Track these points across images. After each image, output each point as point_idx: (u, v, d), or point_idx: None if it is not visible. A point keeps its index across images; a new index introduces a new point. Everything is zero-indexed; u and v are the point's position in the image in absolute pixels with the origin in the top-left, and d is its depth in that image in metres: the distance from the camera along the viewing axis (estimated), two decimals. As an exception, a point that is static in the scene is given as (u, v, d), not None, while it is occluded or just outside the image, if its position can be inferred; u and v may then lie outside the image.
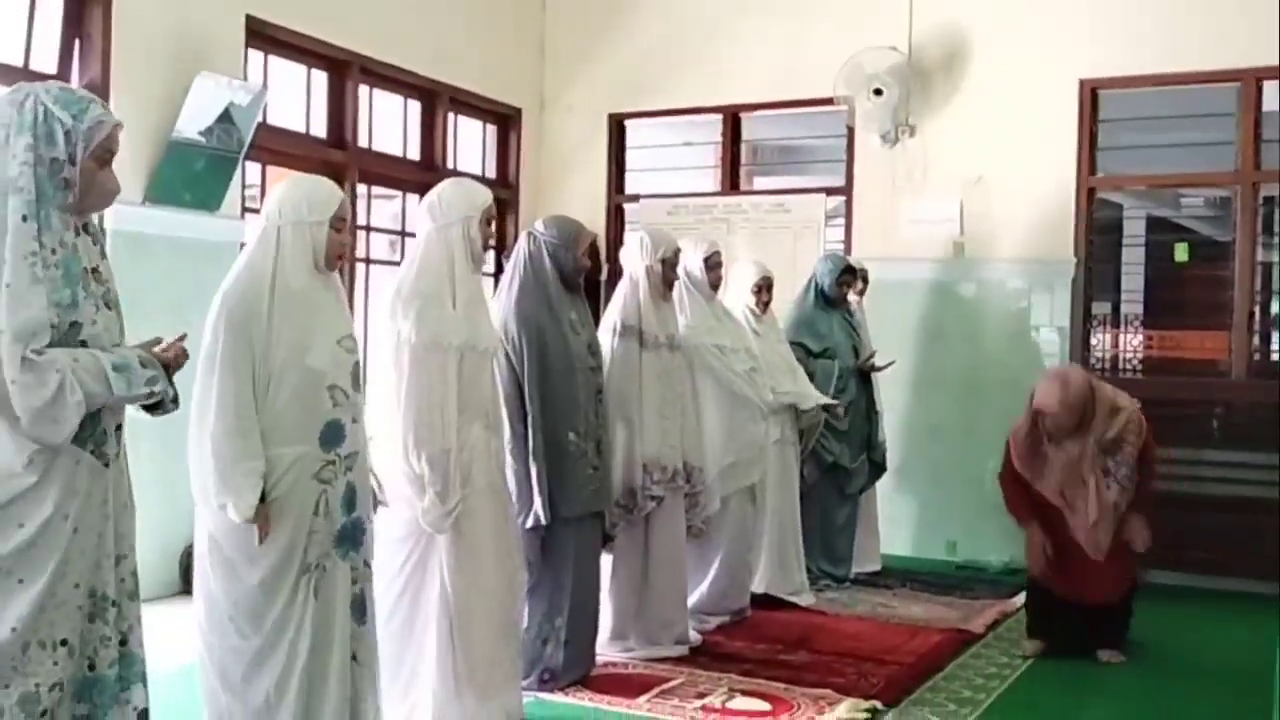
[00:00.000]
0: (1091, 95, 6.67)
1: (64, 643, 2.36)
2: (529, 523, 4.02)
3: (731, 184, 7.74)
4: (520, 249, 4.21)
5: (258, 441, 2.87)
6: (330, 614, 2.97)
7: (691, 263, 5.08)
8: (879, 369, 6.18)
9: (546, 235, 4.20)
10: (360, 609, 3.06)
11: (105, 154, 2.46)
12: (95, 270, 2.45)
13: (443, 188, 3.69)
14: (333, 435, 2.97)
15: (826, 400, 5.64)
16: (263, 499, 2.87)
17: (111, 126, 2.46)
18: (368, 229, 7.04)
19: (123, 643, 2.46)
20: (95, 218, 2.55)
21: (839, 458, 5.91)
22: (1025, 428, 4.81)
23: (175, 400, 2.56)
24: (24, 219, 2.33)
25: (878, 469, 6.26)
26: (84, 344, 2.38)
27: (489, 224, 3.66)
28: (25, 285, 2.30)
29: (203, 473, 2.89)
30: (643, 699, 4.11)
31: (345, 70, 6.53)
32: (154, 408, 2.55)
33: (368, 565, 3.11)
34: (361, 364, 3.14)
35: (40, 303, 2.31)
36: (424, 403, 3.42)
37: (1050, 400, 4.67)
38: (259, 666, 2.93)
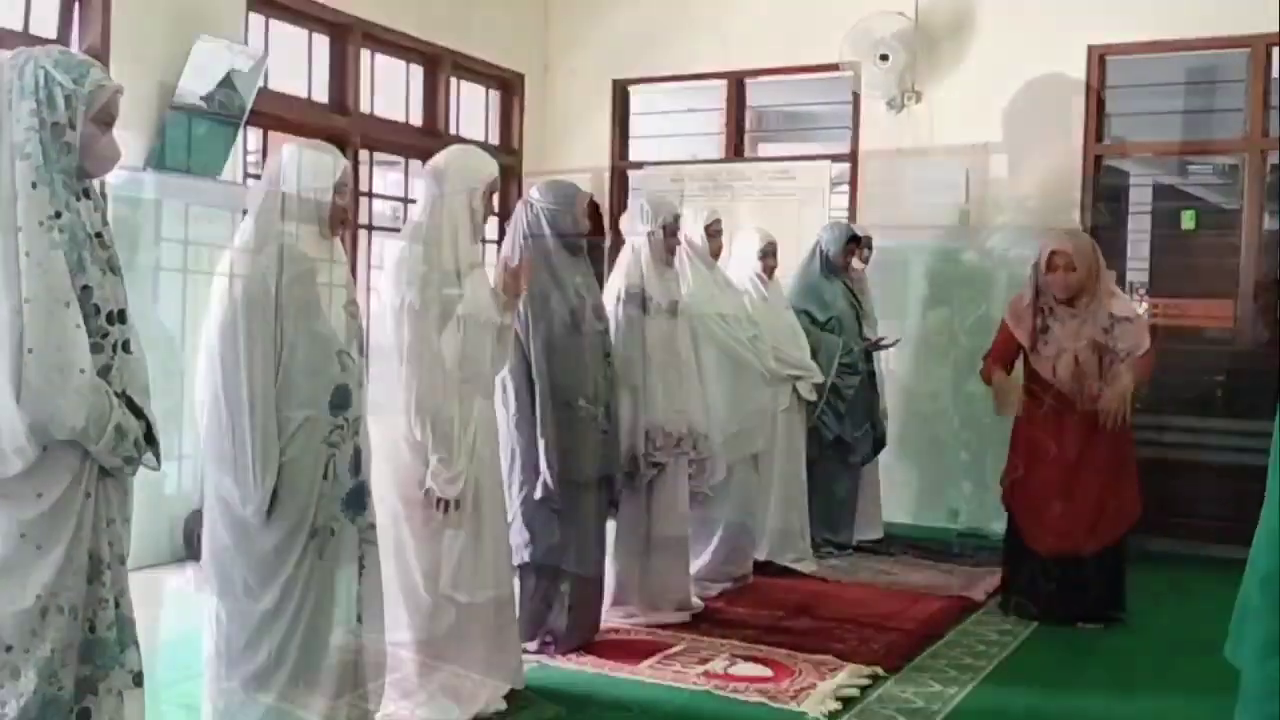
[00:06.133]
0: (1100, 61, 6.61)
1: (70, 606, 2.37)
2: (538, 493, 4.02)
3: (736, 150, 7.69)
4: (518, 218, 4.16)
5: (274, 435, 2.88)
6: (334, 576, 3.00)
7: (692, 231, 5.06)
8: (883, 347, 6.17)
9: (543, 201, 4.16)
10: (364, 570, 3.08)
11: (106, 118, 2.45)
12: (98, 235, 2.45)
13: (450, 155, 3.65)
14: (341, 399, 2.98)
15: (821, 379, 5.64)
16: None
17: (112, 91, 2.45)
18: (369, 195, 7.00)
19: (115, 606, 2.47)
20: (96, 183, 2.54)
21: (841, 431, 5.90)
22: (1029, 295, 4.82)
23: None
24: (34, 185, 2.32)
25: (878, 445, 6.26)
26: (96, 309, 2.38)
27: (491, 196, 3.63)
28: (44, 251, 2.30)
29: (216, 437, 2.89)
30: (645, 664, 4.13)
31: (346, 34, 6.48)
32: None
33: (372, 528, 3.13)
34: (364, 329, 3.14)
35: (60, 268, 2.31)
36: (426, 370, 3.41)
37: (1064, 243, 4.74)
38: (264, 629, 2.95)
